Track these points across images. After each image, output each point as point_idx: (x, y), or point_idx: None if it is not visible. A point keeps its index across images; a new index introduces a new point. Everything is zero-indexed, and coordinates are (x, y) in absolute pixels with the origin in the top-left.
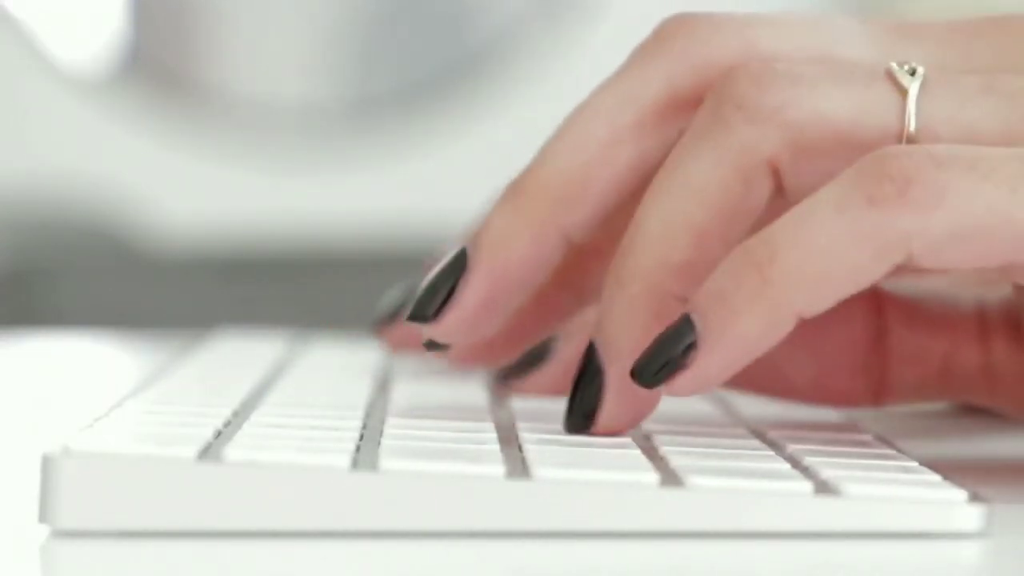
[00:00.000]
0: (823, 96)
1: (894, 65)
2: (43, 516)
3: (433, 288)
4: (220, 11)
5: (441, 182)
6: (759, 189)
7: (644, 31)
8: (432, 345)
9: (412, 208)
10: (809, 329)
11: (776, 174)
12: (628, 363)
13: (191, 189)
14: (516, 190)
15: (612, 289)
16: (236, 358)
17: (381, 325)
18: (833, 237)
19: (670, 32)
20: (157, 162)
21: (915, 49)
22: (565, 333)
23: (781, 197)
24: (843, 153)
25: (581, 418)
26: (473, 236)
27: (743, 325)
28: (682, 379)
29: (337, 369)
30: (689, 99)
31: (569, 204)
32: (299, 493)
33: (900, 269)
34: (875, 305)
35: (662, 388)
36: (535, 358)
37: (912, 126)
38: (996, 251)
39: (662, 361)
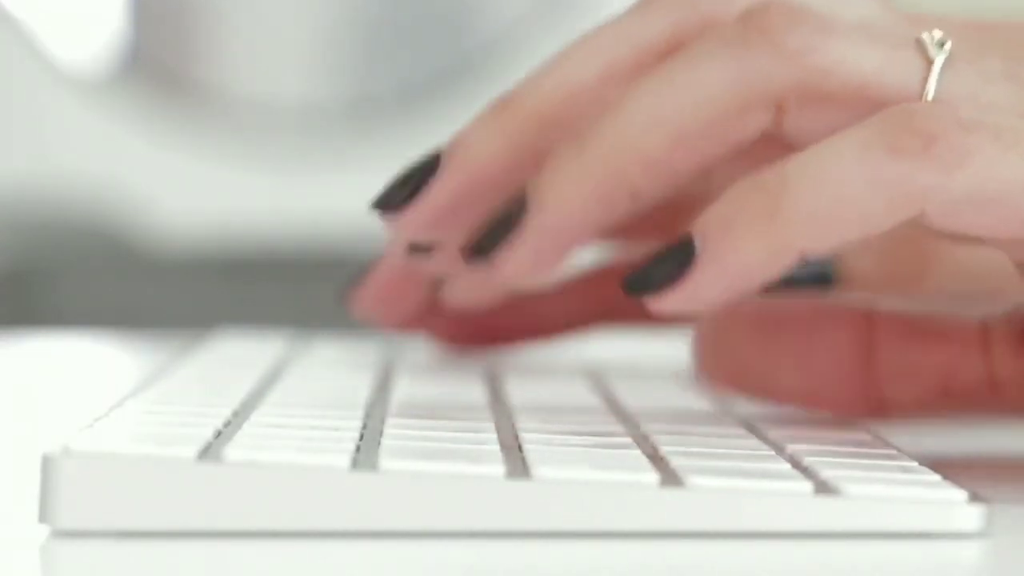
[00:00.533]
0: (851, 47)
1: (925, 35)
2: (43, 516)
3: (403, 180)
4: (220, 11)
5: None
6: (755, 120)
7: None
8: (415, 248)
9: None
10: (796, 339)
11: (779, 112)
12: (552, 221)
13: (191, 189)
14: (499, 105)
15: (570, 151)
16: (236, 358)
17: (347, 291)
18: (849, 178)
19: None
20: (157, 162)
21: (936, 30)
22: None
23: (775, 136)
24: (856, 107)
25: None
26: (450, 139)
27: (744, 251)
28: (672, 293)
29: (337, 369)
30: None
31: (549, 128)
32: (299, 493)
33: (910, 224)
34: (864, 321)
35: (653, 303)
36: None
37: (931, 95)
38: (1010, 221)
39: (656, 274)
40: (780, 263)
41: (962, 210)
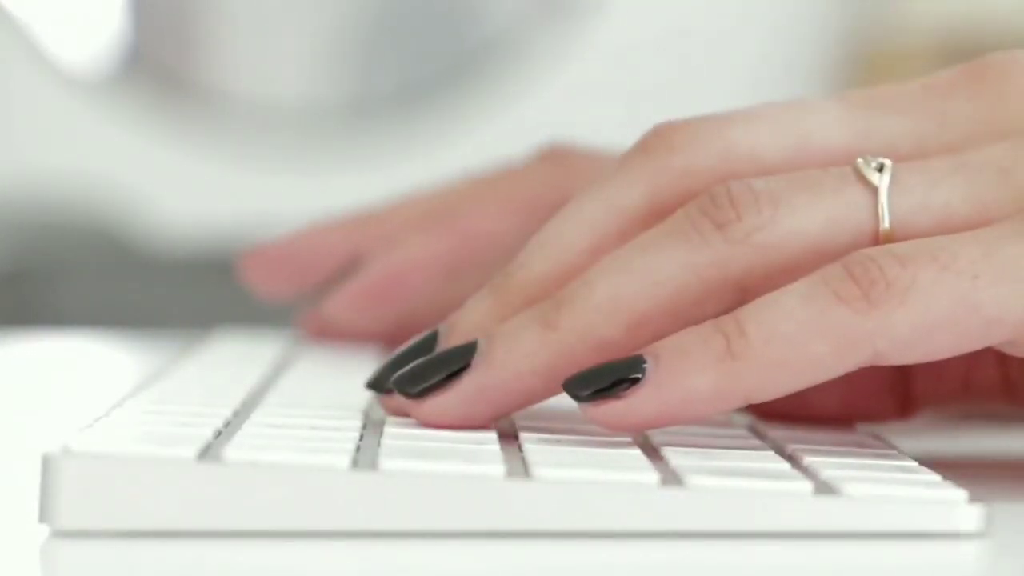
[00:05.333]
0: (797, 212)
1: (861, 162)
2: (43, 516)
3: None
4: (220, 11)
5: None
6: (716, 303)
7: (644, 32)
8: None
9: None
10: None
11: (741, 291)
12: (493, 379)
13: (191, 189)
14: (495, 287)
15: (529, 322)
16: (236, 358)
17: (304, 316)
18: (798, 325)
19: (652, 143)
20: (157, 162)
21: (890, 122)
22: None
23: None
24: (819, 263)
25: (408, 383)
26: (449, 321)
27: (693, 384)
28: (612, 407)
29: (337, 369)
30: (671, 208)
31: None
32: (299, 493)
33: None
34: None
35: (588, 409)
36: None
37: (886, 222)
38: (965, 340)
39: (600, 382)
40: (725, 403)
41: (913, 343)
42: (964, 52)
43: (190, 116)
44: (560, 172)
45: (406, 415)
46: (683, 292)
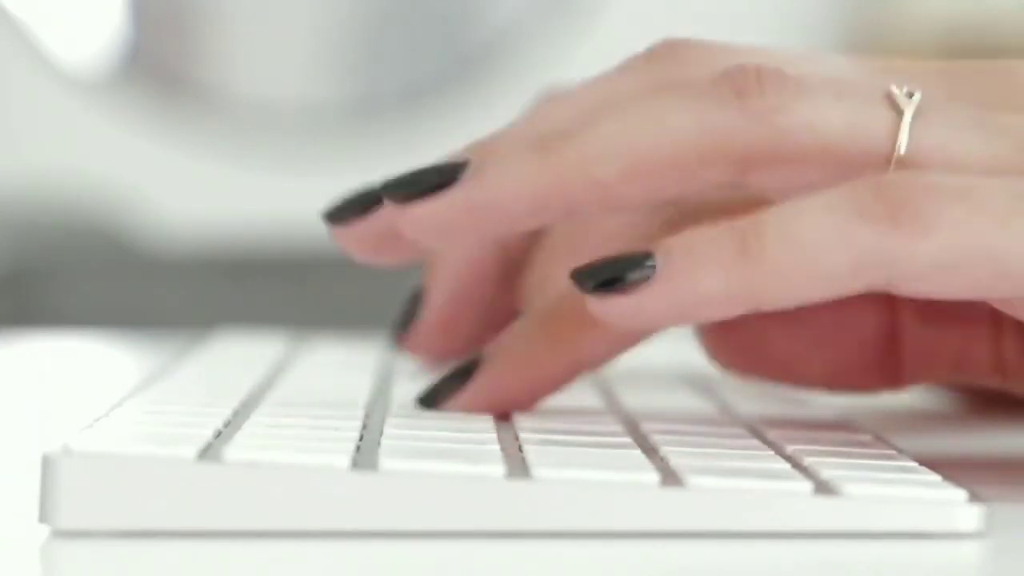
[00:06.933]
0: (819, 107)
1: (894, 87)
2: (43, 516)
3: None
4: (220, 11)
5: None
6: (714, 172)
7: (644, 31)
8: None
9: None
10: (821, 324)
11: (744, 169)
12: (481, 194)
13: (191, 189)
14: (541, 143)
15: (525, 150)
16: (236, 358)
17: (399, 335)
18: (819, 236)
19: (660, 53)
20: (157, 162)
21: (907, 82)
22: (489, 352)
23: (737, 188)
24: (824, 167)
25: (396, 186)
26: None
27: (703, 284)
28: (619, 302)
29: (337, 369)
30: None
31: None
32: (299, 493)
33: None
34: (888, 304)
35: (594, 303)
36: (458, 377)
37: (902, 149)
38: (978, 285)
39: (607, 274)
40: (734, 306)
41: (928, 276)
42: (965, 51)
43: (190, 116)
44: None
45: (381, 234)
46: (687, 148)
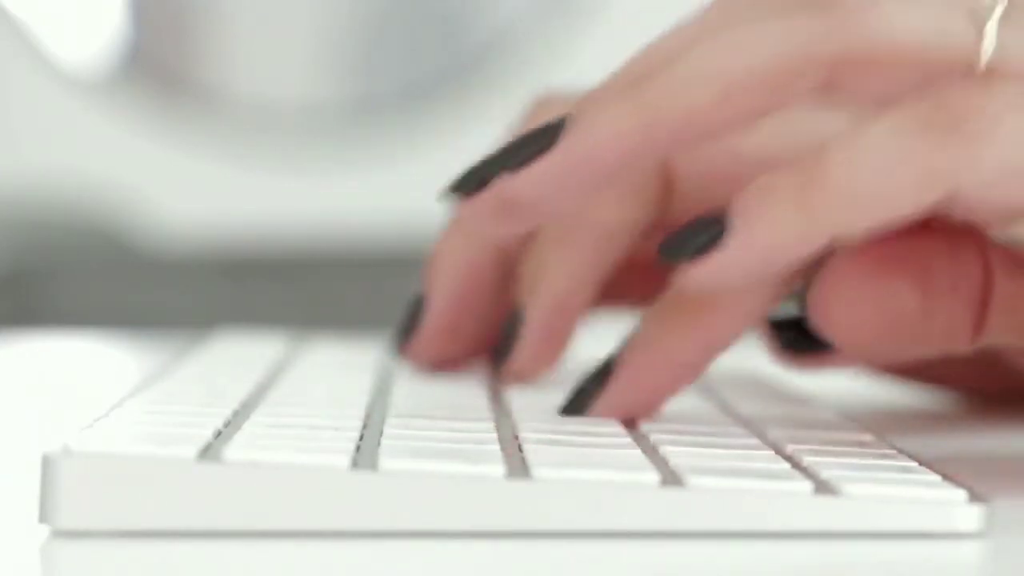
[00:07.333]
0: (903, 11)
1: None
2: (43, 516)
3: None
4: (220, 11)
5: (441, 182)
6: (804, 81)
7: (644, 32)
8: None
9: (412, 208)
10: (936, 283)
11: (831, 74)
12: (583, 147)
13: (191, 189)
14: (634, 84)
15: (615, 91)
16: (236, 358)
17: (401, 343)
18: (881, 159)
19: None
20: (157, 162)
21: None
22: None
23: (827, 97)
24: (910, 71)
25: (497, 161)
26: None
27: (776, 228)
28: (703, 264)
29: (337, 369)
30: None
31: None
32: (299, 493)
33: (945, 208)
34: (983, 253)
35: (685, 274)
36: (598, 379)
37: (989, 52)
38: None
39: (688, 241)
40: (811, 244)
41: (995, 184)
42: None
43: (190, 116)
44: (553, 110)
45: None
46: (777, 60)
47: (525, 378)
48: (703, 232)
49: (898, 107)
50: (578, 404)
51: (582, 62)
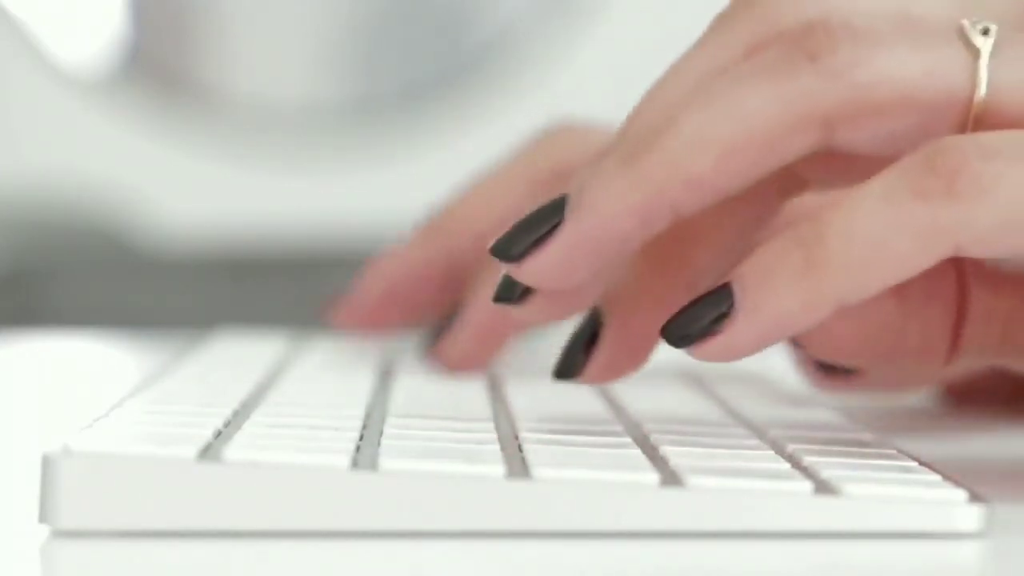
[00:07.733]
0: (895, 56)
1: (966, 23)
2: (43, 516)
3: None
4: (220, 11)
5: (442, 182)
6: (803, 139)
7: (645, 31)
8: (505, 292)
9: (412, 208)
10: (912, 299)
11: (828, 129)
12: (587, 229)
13: (191, 189)
14: (625, 155)
15: (615, 164)
16: (236, 358)
17: (329, 309)
18: (880, 227)
19: (737, 6)
20: (157, 162)
21: (988, 5)
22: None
23: (827, 150)
24: (908, 114)
25: (505, 246)
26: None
27: (782, 302)
28: (711, 344)
29: (337, 368)
30: None
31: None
32: (299, 493)
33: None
34: (957, 267)
35: (693, 352)
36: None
37: (983, 89)
38: None
39: (694, 323)
40: (817, 313)
41: (996, 237)
42: None
43: (190, 116)
44: (559, 142)
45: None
46: (773, 123)
47: (452, 366)
48: (706, 312)
49: (890, 169)
50: (569, 366)
51: (582, 62)
